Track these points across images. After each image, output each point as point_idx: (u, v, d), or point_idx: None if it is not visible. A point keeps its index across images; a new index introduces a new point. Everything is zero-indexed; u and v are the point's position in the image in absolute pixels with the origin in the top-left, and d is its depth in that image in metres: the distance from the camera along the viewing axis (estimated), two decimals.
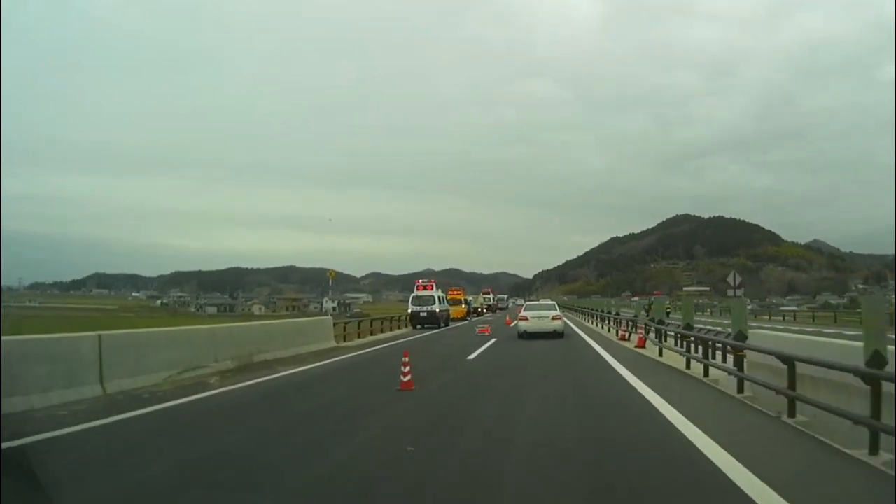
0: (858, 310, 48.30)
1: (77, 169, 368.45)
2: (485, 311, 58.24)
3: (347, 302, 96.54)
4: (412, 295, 33.41)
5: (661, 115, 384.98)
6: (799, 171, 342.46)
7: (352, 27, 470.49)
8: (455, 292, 46.08)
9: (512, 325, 29.26)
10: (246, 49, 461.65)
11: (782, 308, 79.54)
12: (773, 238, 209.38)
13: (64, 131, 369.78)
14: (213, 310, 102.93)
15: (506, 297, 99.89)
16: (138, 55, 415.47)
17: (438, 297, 33.42)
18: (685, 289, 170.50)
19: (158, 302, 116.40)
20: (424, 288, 33.40)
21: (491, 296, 71.03)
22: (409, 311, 32.41)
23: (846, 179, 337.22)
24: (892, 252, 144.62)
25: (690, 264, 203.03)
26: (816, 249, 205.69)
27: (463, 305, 44.00)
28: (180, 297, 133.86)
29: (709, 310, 70.05)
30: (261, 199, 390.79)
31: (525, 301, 64.06)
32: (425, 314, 31.97)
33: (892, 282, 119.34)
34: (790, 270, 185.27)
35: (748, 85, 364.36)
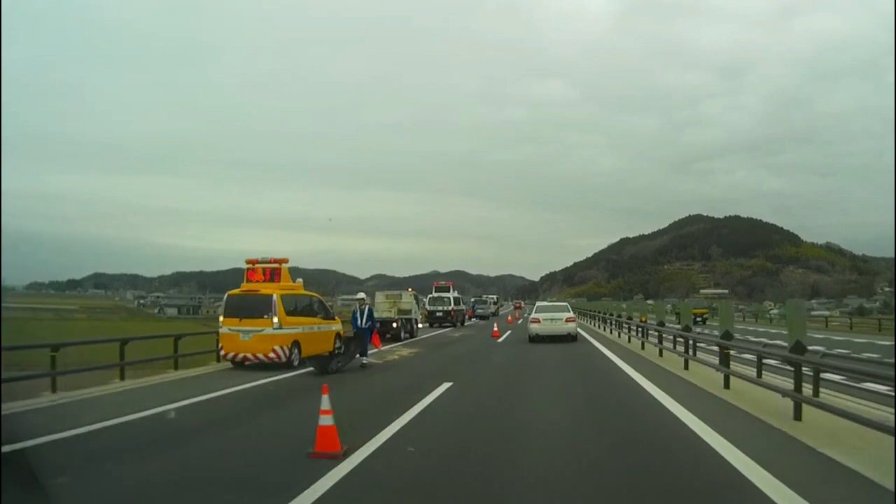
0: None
1: (77, 167, 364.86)
2: (415, 326, 27.49)
3: (329, 304, 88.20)
4: None
5: (671, 115, 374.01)
6: (810, 175, 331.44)
7: (358, 24, 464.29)
8: (256, 269, 15.51)
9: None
10: (250, 46, 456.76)
11: (813, 313, 71.38)
12: (792, 238, 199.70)
13: (65, 128, 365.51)
14: (173, 311, 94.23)
15: (494, 297, 69.87)
16: (140, 51, 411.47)
17: None
18: (702, 291, 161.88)
19: (137, 303, 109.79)
20: None
21: (450, 294, 36.53)
22: None
23: (858, 183, 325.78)
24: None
25: (706, 265, 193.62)
26: (837, 250, 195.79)
27: (271, 324, 14.49)
28: (157, 297, 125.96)
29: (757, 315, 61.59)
30: (265, 198, 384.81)
31: (534, 303, 53.89)
32: None
33: None
34: (812, 272, 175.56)
35: (760, 86, 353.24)
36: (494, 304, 63.50)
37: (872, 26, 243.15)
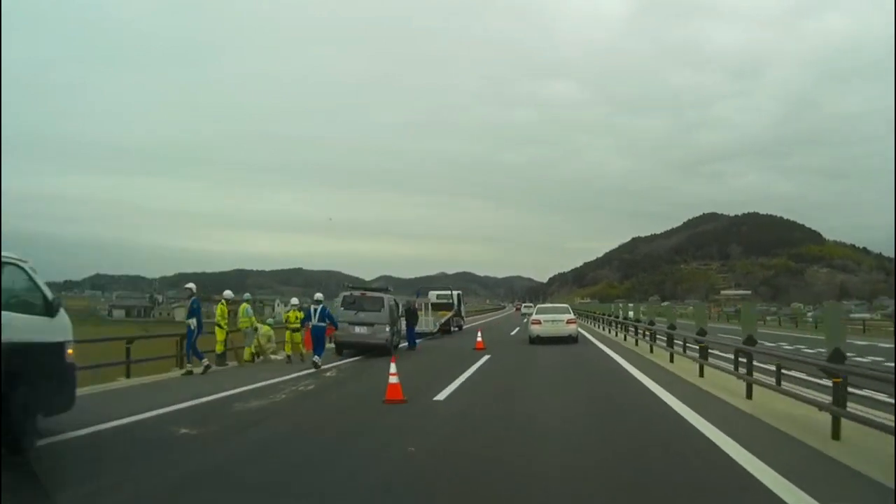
0: None
1: (77, 167, 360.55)
2: None
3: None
4: None
5: (682, 117, 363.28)
6: (821, 177, 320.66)
7: (358, 24, 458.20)
8: None
9: None
10: (250, 46, 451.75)
11: (852, 315, 63.19)
12: (814, 237, 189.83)
13: (65, 128, 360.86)
14: (121, 313, 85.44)
15: (453, 294, 34.34)
16: (140, 51, 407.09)
17: None
18: (723, 292, 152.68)
19: (108, 305, 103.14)
20: None
21: None
22: None
23: (867, 186, 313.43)
24: None
25: (725, 265, 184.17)
26: (863, 249, 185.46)
27: None
28: (130, 295, 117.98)
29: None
30: (267, 199, 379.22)
31: (536, 305, 40.85)
32: None
33: None
34: (838, 272, 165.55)
35: (771, 88, 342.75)
36: (452, 307, 32.94)
37: (883, 27, 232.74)
